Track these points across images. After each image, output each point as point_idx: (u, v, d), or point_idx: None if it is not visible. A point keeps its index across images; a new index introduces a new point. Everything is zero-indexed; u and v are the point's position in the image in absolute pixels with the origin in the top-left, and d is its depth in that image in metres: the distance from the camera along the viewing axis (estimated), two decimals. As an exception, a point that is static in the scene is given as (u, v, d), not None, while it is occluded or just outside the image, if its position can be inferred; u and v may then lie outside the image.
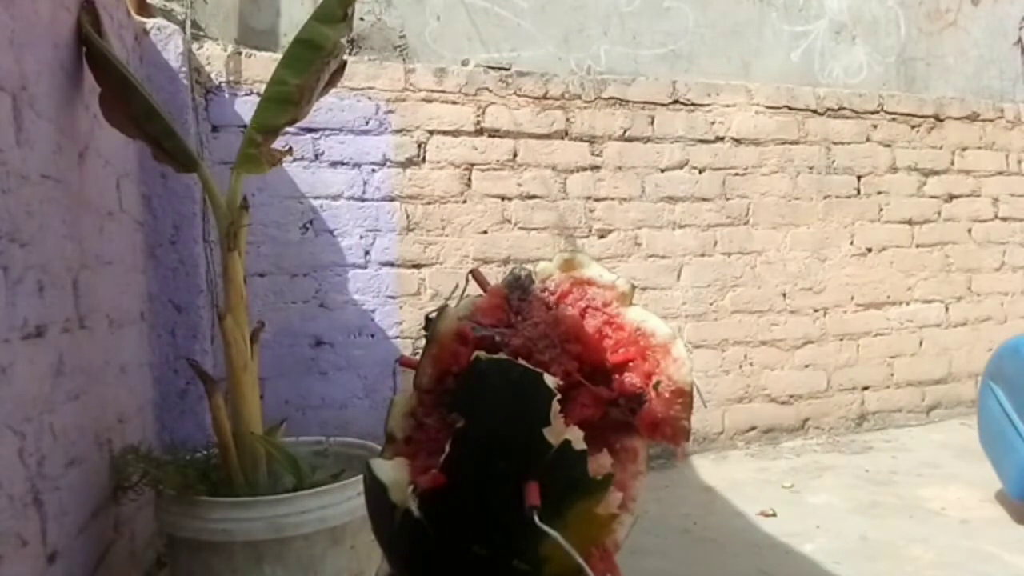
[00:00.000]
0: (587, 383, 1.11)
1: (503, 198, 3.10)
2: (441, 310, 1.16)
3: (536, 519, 0.91)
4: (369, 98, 2.91)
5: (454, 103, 3.02)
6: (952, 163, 3.91)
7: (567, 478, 0.94)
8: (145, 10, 2.55)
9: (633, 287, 1.18)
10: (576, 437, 0.96)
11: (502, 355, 1.06)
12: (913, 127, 3.82)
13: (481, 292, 1.21)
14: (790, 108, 3.56)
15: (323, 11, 1.83)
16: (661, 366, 1.10)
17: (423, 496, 1.01)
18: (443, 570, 1.02)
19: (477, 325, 1.14)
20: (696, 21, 3.47)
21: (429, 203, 2.99)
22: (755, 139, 3.49)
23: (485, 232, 3.07)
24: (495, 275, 3.07)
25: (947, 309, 3.89)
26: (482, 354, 1.04)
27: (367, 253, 2.91)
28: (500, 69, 3.12)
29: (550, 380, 0.98)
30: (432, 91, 2.99)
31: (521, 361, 1.04)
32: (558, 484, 0.94)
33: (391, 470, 1.05)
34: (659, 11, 3.41)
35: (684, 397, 1.09)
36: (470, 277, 1.23)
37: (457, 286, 1.26)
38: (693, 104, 3.39)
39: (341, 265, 2.88)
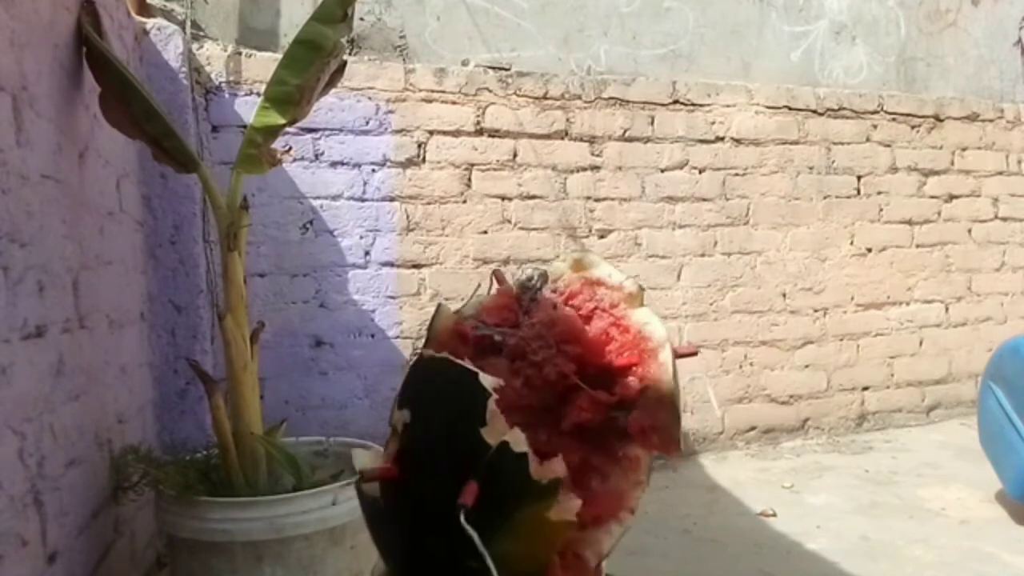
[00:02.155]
0: (584, 386, 1.08)
1: (503, 198, 3.10)
2: (437, 309, 1.16)
3: (463, 518, 0.88)
4: (369, 98, 2.91)
5: (454, 103, 3.02)
6: (952, 163, 3.91)
7: (509, 481, 0.91)
8: (145, 10, 2.55)
9: (641, 288, 1.15)
10: (516, 439, 0.92)
11: (445, 354, 1.04)
12: (913, 127, 3.82)
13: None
14: (790, 108, 3.56)
15: (323, 11, 1.83)
16: (651, 371, 1.07)
17: (384, 487, 1.02)
18: (413, 561, 1.01)
19: (481, 324, 1.14)
20: (696, 21, 3.47)
21: (429, 203, 2.99)
22: (755, 139, 3.49)
23: (485, 232, 3.07)
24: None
25: (947, 309, 3.89)
26: (425, 352, 1.04)
27: (367, 253, 2.91)
28: (500, 69, 3.12)
29: (486, 380, 0.96)
30: (432, 91, 2.99)
31: (516, 361, 1.04)
32: (501, 487, 0.91)
33: (366, 458, 1.05)
34: (659, 11, 3.41)
35: (668, 405, 1.04)
36: (493, 277, 1.23)
37: (480, 285, 1.26)
38: (693, 104, 3.39)
39: (341, 265, 2.88)
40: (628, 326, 1.12)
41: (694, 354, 1.13)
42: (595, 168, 3.24)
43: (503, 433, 0.93)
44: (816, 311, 3.61)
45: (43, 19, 1.41)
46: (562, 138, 3.19)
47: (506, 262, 3.09)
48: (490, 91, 3.08)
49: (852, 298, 3.67)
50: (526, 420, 1.07)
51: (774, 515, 2.62)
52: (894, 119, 3.77)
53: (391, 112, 2.93)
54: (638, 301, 1.14)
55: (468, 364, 1.00)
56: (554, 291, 1.18)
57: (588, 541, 1.00)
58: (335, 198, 2.87)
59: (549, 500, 0.92)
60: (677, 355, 1.10)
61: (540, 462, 0.94)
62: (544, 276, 1.20)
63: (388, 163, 2.93)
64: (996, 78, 4.11)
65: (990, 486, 2.73)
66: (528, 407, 1.08)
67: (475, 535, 0.87)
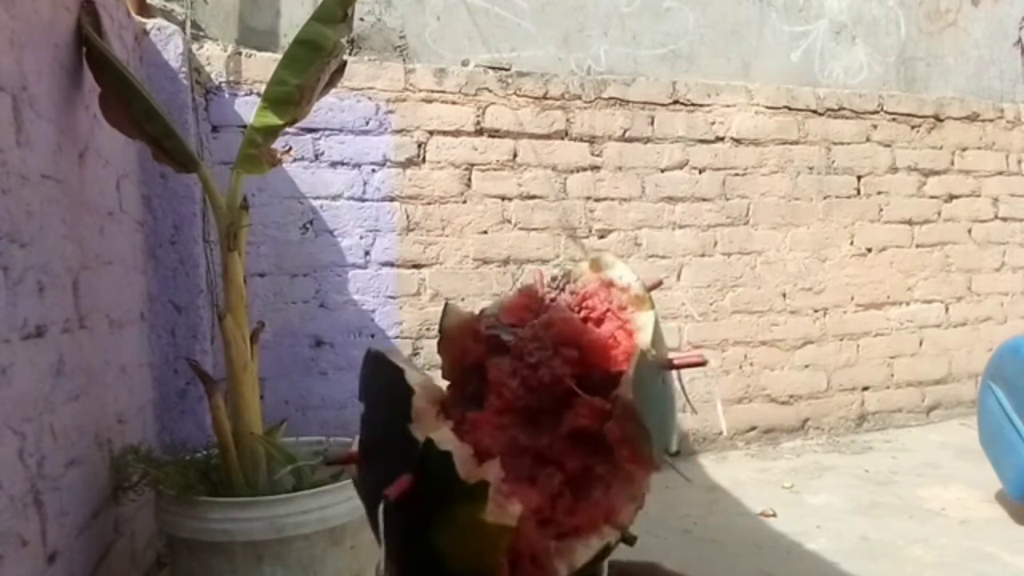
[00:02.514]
0: (579, 391, 1.04)
1: (503, 198, 3.10)
2: (445, 307, 1.15)
3: (381, 508, 0.88)
4: (369, 98, 2.91)
5: (454, 103, 3.03)
6: (952, 163, 3.91)
7: (439, 478, 0.89)
8: (145, 10, 2.55)
9: (648, 290, 1.10)
10: (441, 438, 0.90)
11: (389, 350, 1.05)
12: (913, 127, 3.82)
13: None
14: (790, 108, 3.56)
15: (323, 11, 1.83)
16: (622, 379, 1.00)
17: (356, 474, 1.04)
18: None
19: (497, 323, 1.13)
20: (696, 21, 3.47)
21: (429, 203, 2.99)
22: (755, 139, 3.49)
23: (485, 232, 3.07)
24: (495, 275, 3.08)
25: (947, 309, 3.89)
26: (372, 347, 1.05)
27: (367, 253, 2.91)
28: (500, 69, 3.12)
29: (411, 377, 0.97)
30: (432, 91, 3.00)
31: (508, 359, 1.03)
32: (436, 484, 0.90)
33: (339, 448, 1.07)
34: (659, 11, 3.41)
35: (631, 416, 0.98)
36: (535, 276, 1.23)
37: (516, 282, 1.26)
38: (693, 104, 3.39)
39: (341, 265, 2.88)
40: (632, 330, 1.08)
41: (700, 364, 1.08)
42: (595, 168, 3.24)
43: (430, 430, 0.92)
44: (816, 311, 3.61)
45: (43, 19, 1.41)
46: (562, 138, 3.19)
47: (506, 262, 3.09)
48: (490, 91, 3.08)
49: (852, 298, 3.67)
50: (526, 421, 1.06)
51: (774, 515, 2.62)
52: (894, 119, 3.77)
53: (391, 112, 2.93)
54: (646, 303, 1.09)
55: (399, 361, 1.00)
56: (573, 292, 1.16)
57: (562, 551, 0.95)
58: (335, 198, 2.87)
59: (478, 502, 0.88)
60: (678, 365, 1.08)
61: (478, 463, 0.91)
62: (567, 276, 1.18)
63: (388, 163, 2.93)
64: (996, 78, 4.11)
65: (990, 486, 2.73)
66: (526, 408, 1.07)
67: (381, 527, 0.88)
